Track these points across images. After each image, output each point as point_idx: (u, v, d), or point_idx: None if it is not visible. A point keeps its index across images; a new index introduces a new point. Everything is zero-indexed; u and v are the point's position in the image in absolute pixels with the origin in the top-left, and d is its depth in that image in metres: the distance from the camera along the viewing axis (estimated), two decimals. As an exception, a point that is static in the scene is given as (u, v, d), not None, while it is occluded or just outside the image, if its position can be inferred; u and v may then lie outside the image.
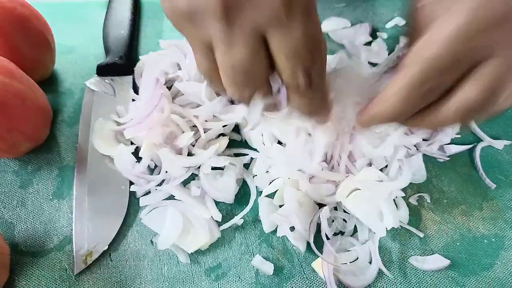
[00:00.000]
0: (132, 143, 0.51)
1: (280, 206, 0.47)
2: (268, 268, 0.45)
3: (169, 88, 0.54)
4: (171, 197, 0.48)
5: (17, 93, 0.45)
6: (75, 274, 0.44)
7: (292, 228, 0.46)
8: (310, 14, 0.33)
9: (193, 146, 0.50)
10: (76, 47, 0.61)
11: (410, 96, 0.34)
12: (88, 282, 0.44)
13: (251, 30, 0.32)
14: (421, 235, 0.47)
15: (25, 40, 0.50)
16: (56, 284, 0.44)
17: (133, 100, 0.54)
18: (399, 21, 0.65)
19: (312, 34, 0.33)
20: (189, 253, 0.45)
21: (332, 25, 0.64)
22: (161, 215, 0.47)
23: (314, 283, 0.44)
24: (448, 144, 0.53)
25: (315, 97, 0.37)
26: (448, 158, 0.52)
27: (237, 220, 0.47)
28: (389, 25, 0.65)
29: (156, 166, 0.50)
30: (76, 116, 0.54)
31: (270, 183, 0.48)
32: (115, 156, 0.50)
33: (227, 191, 0.48)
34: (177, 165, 0.47)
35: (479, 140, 0.54)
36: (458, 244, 0.47)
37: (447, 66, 0.32)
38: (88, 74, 0.57)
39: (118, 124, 0.52)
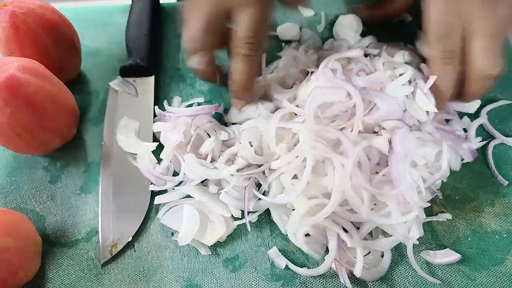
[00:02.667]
0: (154, 140, 0.54)
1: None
2: (280, 261, 0.47)
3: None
4: (187, 195, 0.50)
5: (48, 93, 0.48)
6: (101, 263, 0.47)
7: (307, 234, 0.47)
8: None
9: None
10: (100, 49, 0.64)
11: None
12: (114, 271, 0.46)
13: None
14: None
15: (54, 44, 0.53)
16: (84, 273, 0.46)
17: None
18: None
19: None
20: (209, 245, 0.47)
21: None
22: (178, 213, 0.49)
23: (327, 275, 0.46)
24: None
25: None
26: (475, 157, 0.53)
27: (253, 217, 0.49)
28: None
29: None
30: (101, 115, 0.57)
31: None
32: (137, 155, 0.52)
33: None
34: (197, 174, 0.49)
35: (491, 137, 0.55)
36: (469, 239, 0.48)
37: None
38: (111, 76, 0.60)
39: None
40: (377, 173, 0.46)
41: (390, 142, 0.45)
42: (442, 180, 0.51)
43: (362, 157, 0.45)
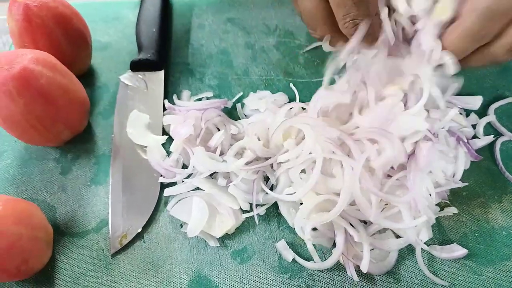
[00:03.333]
0: (164, 133, 0.54)
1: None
2: (288, 254, 0.47)
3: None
4: (196, 188, 0.51)
5: (60, 85, 0.49)
6: (111, 254, 0.47)
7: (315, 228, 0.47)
8: None
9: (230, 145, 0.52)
10: (111, 44, 0.64)
11: (468, 37, 0.42)
12: (123, 261, 0.47)
13: None
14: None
15: (66, 37, 0.54)
16: (94, 263, 0.47)
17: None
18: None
19: None
20: (218, 237, 0.48)
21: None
22: (187, 205, 0.49)
23: (334, 268, 0.46)
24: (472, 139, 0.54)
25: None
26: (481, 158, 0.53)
27: (261, 210, 0.49)
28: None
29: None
30: (111, 109, 0.58)
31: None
32: (147, 148, 0.53)
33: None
34: (207, 167, 0.50)
35: (499, 134, 0.55)
36: (476, 234, 0.48)
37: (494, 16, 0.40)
38: (122, 70, 0.61)
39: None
40: (389, 176, 0.46)
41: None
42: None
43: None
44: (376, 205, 0.44)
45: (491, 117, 0.56)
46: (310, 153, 0.46)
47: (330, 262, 0.45)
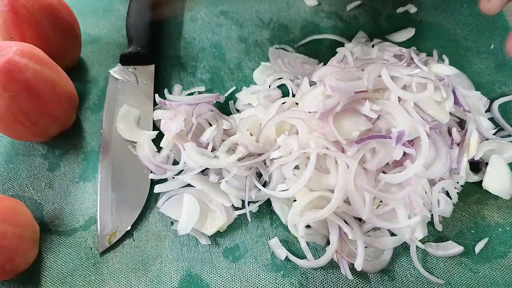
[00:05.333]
0: (154, 129, 0.53)
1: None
2: (281, 253, 0.46)
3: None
4: (187, 184, 0.49)
5: (47, 79, 0.47)
6: (99, 252, 0.46)
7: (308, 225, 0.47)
8: None
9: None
10: (101, 37, 0.63)
11: None
12: (112, 260, 0.46)
13: None
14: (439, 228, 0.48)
15: (54, 30, 0.53)
16: (82, 262, 0.46)
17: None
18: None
19: None
20: (209, 235, 0.47)
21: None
22: (178, 202, 0.48)
23: (328, 266, 0.45)
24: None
25: None
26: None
27: (253, 207, 0.48)
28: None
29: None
30: (100, 103, 0.56)
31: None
32: (137, 143, 0.52)
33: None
34: (198, 163, 0.49)
35: (500, 130, 0.54)
36: (472, 231, 0.48)
37: None
38: (112, 63, 0.59)
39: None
40: (384, 172, 0.45)
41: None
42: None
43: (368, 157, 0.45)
44: (369, 203, 0.43)
45: (494, 113, 0.55)
46: (303, 149, 0.45)
47: (323, 260, 0.44)
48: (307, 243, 0.46)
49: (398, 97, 0.45)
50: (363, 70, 0.48)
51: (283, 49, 0.61)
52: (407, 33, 0.63)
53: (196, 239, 0.47)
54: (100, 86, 0.58)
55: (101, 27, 0.64)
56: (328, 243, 0.46)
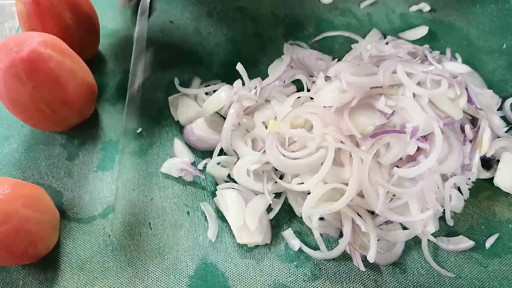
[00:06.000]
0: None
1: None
2: (295, 244, 0.47)
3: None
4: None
5: (69, 70, 0.48)
6: (117, 239, 0.47)
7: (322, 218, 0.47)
8: None
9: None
10: (119, 30, 0.64)
11: None
12: (129, 248, 0.47)
13: None
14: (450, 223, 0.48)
15: (75, 22, 0.54)
16: (100, 249, 0.47)
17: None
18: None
19: None
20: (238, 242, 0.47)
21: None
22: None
23: (340, 258, 0.46)
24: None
25: None
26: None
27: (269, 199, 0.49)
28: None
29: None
30: (118, 95, 0.57)
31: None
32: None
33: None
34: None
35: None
36: (483, 227, 0.48)
37: None
38: (129, 57, 0.60)
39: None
40: (397, 166, 0.46)
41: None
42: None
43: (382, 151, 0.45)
44: (383, 197, 0.44)
45: (507, 111, 0.55)
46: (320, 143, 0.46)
47: (336, 252, 0.45)
48: (321, 235, 0.47)
49: (413, 93, 0.46)
50: (377, 66, 0.49)
51: (297, 45, 0.62)
52: (421, 31, 0.64)
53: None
54: (118, 78, 0.59)
55: (119, 21, 0.65)
56: (341, 235, 0.47)
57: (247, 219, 0.46)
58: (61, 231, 0.48)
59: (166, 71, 0.60)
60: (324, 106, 0.47)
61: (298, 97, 0.52)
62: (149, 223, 0.49)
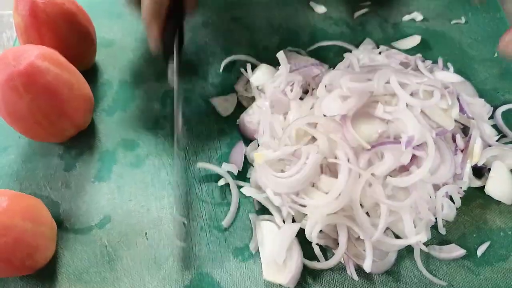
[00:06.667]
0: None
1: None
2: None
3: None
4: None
5: (67, 82, 0.49)
6: (114, 250, 0.48)
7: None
8: None
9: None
10: (115, 40, 0.65)
11: None
12: (126, 258, 0.48)
13: None
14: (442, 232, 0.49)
15: (72, 33, 0.54)
16: (97, 259, 0.47)
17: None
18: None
19: None
20: (265, 279, 0.46)
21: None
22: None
23: (334, 268, 0.47)
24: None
25: None
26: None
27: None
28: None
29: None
30: (115, 106, 0.58)
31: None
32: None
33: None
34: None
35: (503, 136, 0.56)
36: (474, 235, 0.49)
37: None
38: (126, 67, 0.61)
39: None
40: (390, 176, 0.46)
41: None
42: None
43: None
44: (385, 220, 0.44)
45: (497, 121, 0.56)
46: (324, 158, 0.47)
47: (334, 261, 0.46)
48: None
49: (406, 103, 0.47)
50: (370, 75, 0.50)
51: (296, 52, 0.63)
52: (413, 41, 0.65)
53: (207, 239, 0.49)
54: (114, 89, 0.60)
55: (115, 31, 0.66)
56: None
57: (274, 251, 0.45)
58: (58, 241, 0.48)
59: (161, 81, 0.61)
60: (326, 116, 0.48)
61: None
62: (145, 233, 0.49)
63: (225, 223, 0.50)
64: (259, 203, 0.50)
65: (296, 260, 0.45)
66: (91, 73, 0.60)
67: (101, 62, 0.62)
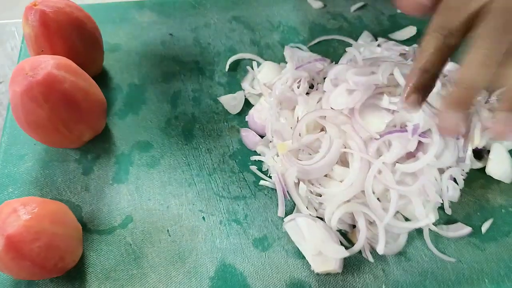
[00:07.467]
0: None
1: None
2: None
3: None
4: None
5: (82, 88, 0.50)
6: (138, 248, 0.50)
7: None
8: None
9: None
10: (120, 45, 0.66)
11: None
12: (151, 255, 0.50)
13: None
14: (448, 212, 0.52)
15: (81, 41, 0.56)
16: (123, 257, 0.49)
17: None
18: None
19: None
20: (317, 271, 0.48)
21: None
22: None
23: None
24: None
25: None
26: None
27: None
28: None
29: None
30: (126, 109, 0.60)
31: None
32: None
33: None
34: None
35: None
36: (478, 213, 0.52)
37: None
38: (133, 70, 0.63)
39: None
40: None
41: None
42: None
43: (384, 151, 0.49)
44: (394, 206, 0.47)
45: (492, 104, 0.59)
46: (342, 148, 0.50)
47: (358, 246, 0.48)
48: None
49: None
50: (373, 67, 0.52)
51: (297, 47, 0.65)
52: (409, 31, 0.67)
53: (227, 232, 0.51)
54: (124, 92, 0.61)
55: (120, 36, 0.67)
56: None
57: (317, 244, 0.48)
58: (84, 243, 0.50)
59: (170, 83, 0.62)
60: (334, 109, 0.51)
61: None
62: (167, 230, 0.51)
63: (279, 212, 0.51)
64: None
65: (335, 243, 0.48)
66: (100, 78, 0.62)
67: (109, 67, 0.64)
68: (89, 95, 0.52)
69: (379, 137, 0.48)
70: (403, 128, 0.49)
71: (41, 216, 0.43)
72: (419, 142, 0.49)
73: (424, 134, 0.49)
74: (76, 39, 0.55)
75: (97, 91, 0.55)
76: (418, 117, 0.48)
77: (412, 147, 0.48)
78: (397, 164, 0.48)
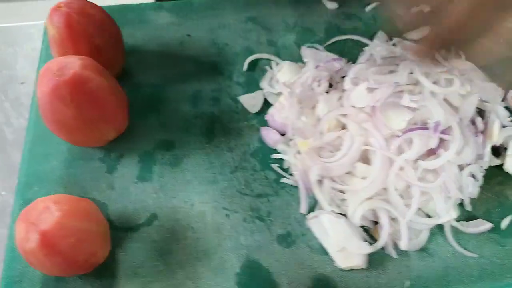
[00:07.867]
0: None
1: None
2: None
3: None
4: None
5: (106, 88, 0.51)
6: (165, 244, 0.50)
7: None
8: None
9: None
10: (138, 46, 0.67)
11: None
12: (177, 252, 0.50)
13: None
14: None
15: (104, 42, 0.56)
16: (150, 254, 0.50)
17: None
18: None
19: None
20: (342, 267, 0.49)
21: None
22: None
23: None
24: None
25: None
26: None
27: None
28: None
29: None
30: (147, 108, 0.60)
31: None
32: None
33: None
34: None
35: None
36: (497, 210, 0.53)
37: None
38: (151, 71, 0.64)
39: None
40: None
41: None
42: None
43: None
44: (416, 203, 0.48)
45: (509, 102, 0.60)
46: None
47: (381, 243, 0.49)
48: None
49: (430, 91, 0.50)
50: (391, 66, 0.54)
51: (314, 47, 0.66)
52: (422, 31, 0.68)
53: (250, 229, 0.52)
54: (144, 93, 0.62)
55: (138, 37, 0.68)
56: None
57: (341, 241, 0.48)
58: (111, 241, 0.51)
59: (189, 83, 0.63)
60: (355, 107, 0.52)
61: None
62: (192, 227, 0.52)
63: (302, 209, 0.52)
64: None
65: (359, 239, 0.49)
66: (121, 78, 0.62)
67: (128, 68, 0.64)
68: (114, 94, 0.53)
69: (400, 134, 0.49)
70: (424, 126, 0.50)
71: (72, 213, 0.44)
72: (440, 139, 0.50)
73: (444, 131, 0.50)
74: (99, 40, 0.56)
75: (121, 91, 0.55)
76: (439, 115, 0.49)
77: (433, 144, 0.49)
78: (418, 161, 0.49)
